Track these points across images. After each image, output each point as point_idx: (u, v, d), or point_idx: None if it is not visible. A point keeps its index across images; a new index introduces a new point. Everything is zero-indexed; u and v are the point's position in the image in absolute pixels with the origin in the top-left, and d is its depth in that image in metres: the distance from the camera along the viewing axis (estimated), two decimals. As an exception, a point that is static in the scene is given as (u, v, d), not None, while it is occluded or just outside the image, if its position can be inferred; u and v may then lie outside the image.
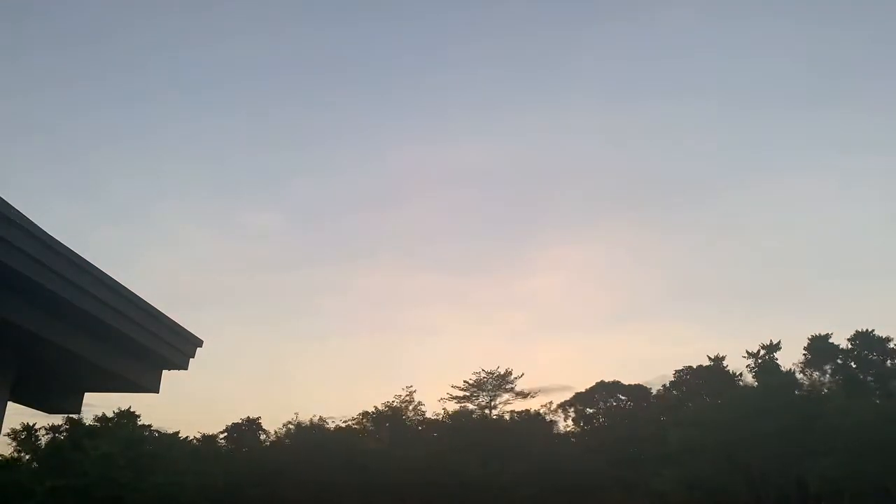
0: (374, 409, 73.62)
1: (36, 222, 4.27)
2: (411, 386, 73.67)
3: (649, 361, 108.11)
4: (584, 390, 77.82)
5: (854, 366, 66.92)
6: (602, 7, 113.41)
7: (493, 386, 74.43)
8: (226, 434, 77.01)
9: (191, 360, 6.22)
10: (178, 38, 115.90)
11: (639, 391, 76.26)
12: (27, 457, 66.51)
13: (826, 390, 66.13)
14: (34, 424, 65.73)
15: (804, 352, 68.48)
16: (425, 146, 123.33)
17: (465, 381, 74.32)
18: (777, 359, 68.42)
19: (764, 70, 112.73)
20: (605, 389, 76.80)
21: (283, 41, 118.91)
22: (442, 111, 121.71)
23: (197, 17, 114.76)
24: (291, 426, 73.14)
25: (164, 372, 6.33)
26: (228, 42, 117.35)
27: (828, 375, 67.95)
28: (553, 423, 76.45)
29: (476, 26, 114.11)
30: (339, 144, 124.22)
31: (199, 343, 6.16)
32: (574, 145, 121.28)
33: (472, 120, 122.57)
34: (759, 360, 68.46)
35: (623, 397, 76.94)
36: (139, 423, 71.38)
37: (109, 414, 69.53)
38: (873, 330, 66.92)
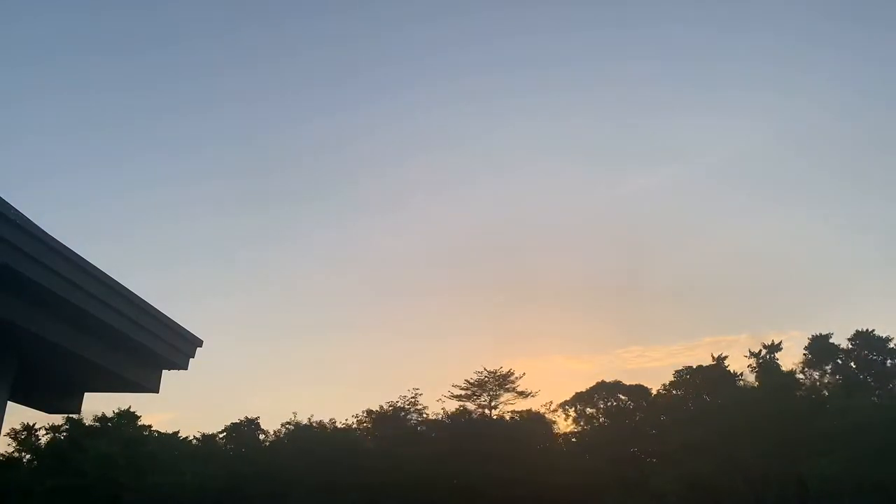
0: (376, 409, 73.59)
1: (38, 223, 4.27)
2: (417, 388, 73.71)
3: (650, 361, 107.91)
4: (584, 390, 77.77)
5: (854, 366, 66.90)
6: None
7: (494, 386, 74.29)
8: (226, 434, 76.93)
9: (191, 360, 6.21)
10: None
11: (639, 391, 76.12)
12: (27, 456, 66.49)
13: (826, 390, 66.13)
14: (34, 424, 65.78)
15: (804, 352, 68.52)
16: (435, 155, 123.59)
17: (465, 381, 74.21)
18: (777, 359, 68.46)
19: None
20: (606, 389, 76.67)
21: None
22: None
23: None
24: (291, 426, 73.14)
25: (164, 372, 6.33)
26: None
27: (828, 375, 67.94)
28: (553, 423, 76.44)
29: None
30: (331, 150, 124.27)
31: (199, 343, 6.16)
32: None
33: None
34: (760, 360, 68.43)
35: (623, 397, 76.82)
36: (139, 423, 71.39)
37: (109, 414, 69.56)
38: (873, 330, 66.98)
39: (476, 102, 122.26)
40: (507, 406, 74.15)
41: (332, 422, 73.51)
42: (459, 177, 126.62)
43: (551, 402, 76.84)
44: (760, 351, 68.80)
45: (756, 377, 68.02)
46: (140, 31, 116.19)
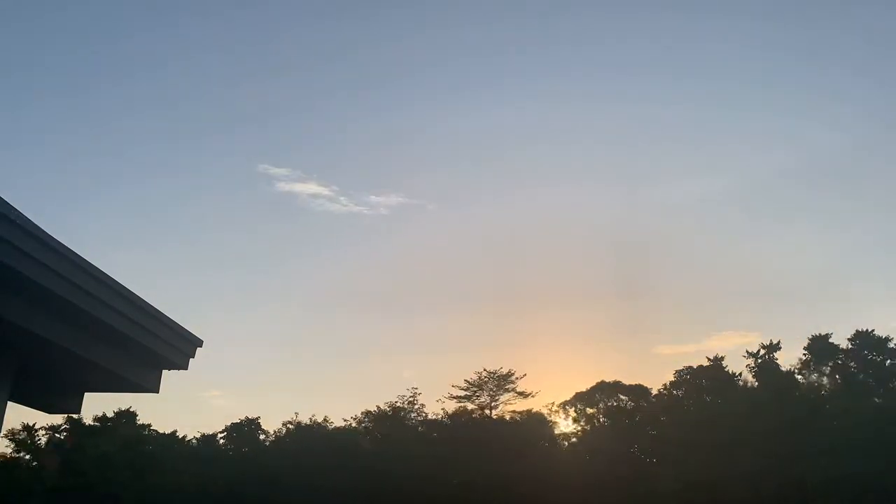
0: (375, 409, 73.64)
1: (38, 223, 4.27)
2: (416, 388, 73.73)
3: (650, 362, 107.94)
4: (584, 390, 77.79)
5: (854, 366, 66.86)
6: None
7: (495, 386, 74.29)
8: (226, 434, 76.95)
9: (191, 360, 6.22)
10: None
11: (639, 391, 76.13)
12: (27, 457, 66.52)
13: (826, 390, 66.13)
14: (34, 424, 65.82)
15: (804, 352, 68.46)
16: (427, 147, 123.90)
17: (465, 381, 74.18)
18: (777, 359, 68.46)
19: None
20: (606, 389, 76.68)
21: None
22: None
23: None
24: (291, 426, 73.13)
25: (164, 372, 6.33)
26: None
27: (827, 376, 67.92)
28: (553, 423, 76.46)
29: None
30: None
31: (199, 343, 6.16)
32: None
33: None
34: (759, 360, 68.42)
35: (623, 397, 76.82)
36: (138, 422, 71.43)
37: (109, 414, 69.61)
38: (873, 330, 66.89)
39: (481, 107, 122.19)
40: (507, 406, 74.22)
41: (330, 421, 73.64)
42: (473, 179, 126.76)
43: (553, 403, 76.98)
44: (759, 351, 68.84)
45: (755, 377, 68.04)
46: (149, 42, 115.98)
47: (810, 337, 68.63)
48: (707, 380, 70.20)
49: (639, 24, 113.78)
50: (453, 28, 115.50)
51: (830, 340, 67.75)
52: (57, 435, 66.61)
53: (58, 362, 5.55)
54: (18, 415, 66.60)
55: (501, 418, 72.98)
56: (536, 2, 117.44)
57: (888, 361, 66.07)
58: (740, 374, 69.75)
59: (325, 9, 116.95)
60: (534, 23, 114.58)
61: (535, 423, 72.40)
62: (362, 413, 74.08)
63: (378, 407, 73.42)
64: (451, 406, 73.85)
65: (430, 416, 73.87)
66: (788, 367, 68.07)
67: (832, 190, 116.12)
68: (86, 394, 6.65)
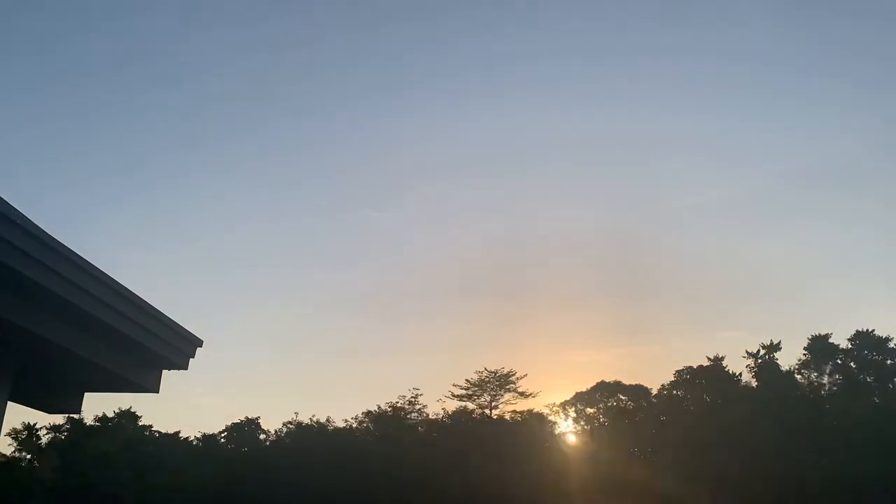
0: (375, 409, 73.63)
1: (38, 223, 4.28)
2: (418, 389, 73.72)
3: (650, 362, 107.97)
4: (585, 390, 77.81)
5: (854, 366, 66.88)
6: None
7: (495, 386, 74.28)
8: (226, 434, 76.95)
9: (191, 360, 6.22)
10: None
11: (639, 391, 76.15)
12: (27, 456, 66.52)
13: (826, 390, 66.15)
14: (35, 424, 65.82)
15: (804, 352, 68.46)
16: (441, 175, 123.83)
17: (466, 380, 74.18)
18: (777, 359, 68.44)
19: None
20: (606, 389, 76.72)
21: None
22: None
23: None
24: (292, 426, 73.12)
25: (164, 372, 6.33)
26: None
27: (827, 375, 67.93)
28: (554, 423, 76.48)
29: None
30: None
31: (199, 343, 6.16)
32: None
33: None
34: (759, 360, 68.43)
35: (623, 397, 76.85)
36: (139, 423, 71.41)
37: (109, 414, 69.61)
38: (873, 330, 66.93)
39: (488, 102, 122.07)
40: (508, 406, 74.19)
41: (332, 422, 73.63)
42: (475, 181, 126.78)
43: (553, 403, 76.98)
44: (759, 351, 68.83)
45: (755, 377, 68.06)
46: (158, 60, 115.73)
47: (810, 337, 68.70)
48: (707, 380, 70.18)
49: (641, 31, 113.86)
50: (461, 38, 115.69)
51: (830, 340, 67.78)
52: (57, 435, 66.64)
53: (58, 362, 5.55)
54: (19, 415, 66.66)
55: (502, 418, 72.97)
56: (538, 10, 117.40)
57: (888, 361, 66.09)
58: (740, 374, 69.79)
59: (328, 22, 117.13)
60: (535, 30, 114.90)
61: (536, 423, 72.38)
62: (363, 413, 74.15)
63: (378, 407, 73.48)
64: (452, 405, 73.92)
65: (430, 416, 73.89)
66: (788, 367, 68.13)
67: (832, 191, 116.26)
68: (86, 394, 6.66)
